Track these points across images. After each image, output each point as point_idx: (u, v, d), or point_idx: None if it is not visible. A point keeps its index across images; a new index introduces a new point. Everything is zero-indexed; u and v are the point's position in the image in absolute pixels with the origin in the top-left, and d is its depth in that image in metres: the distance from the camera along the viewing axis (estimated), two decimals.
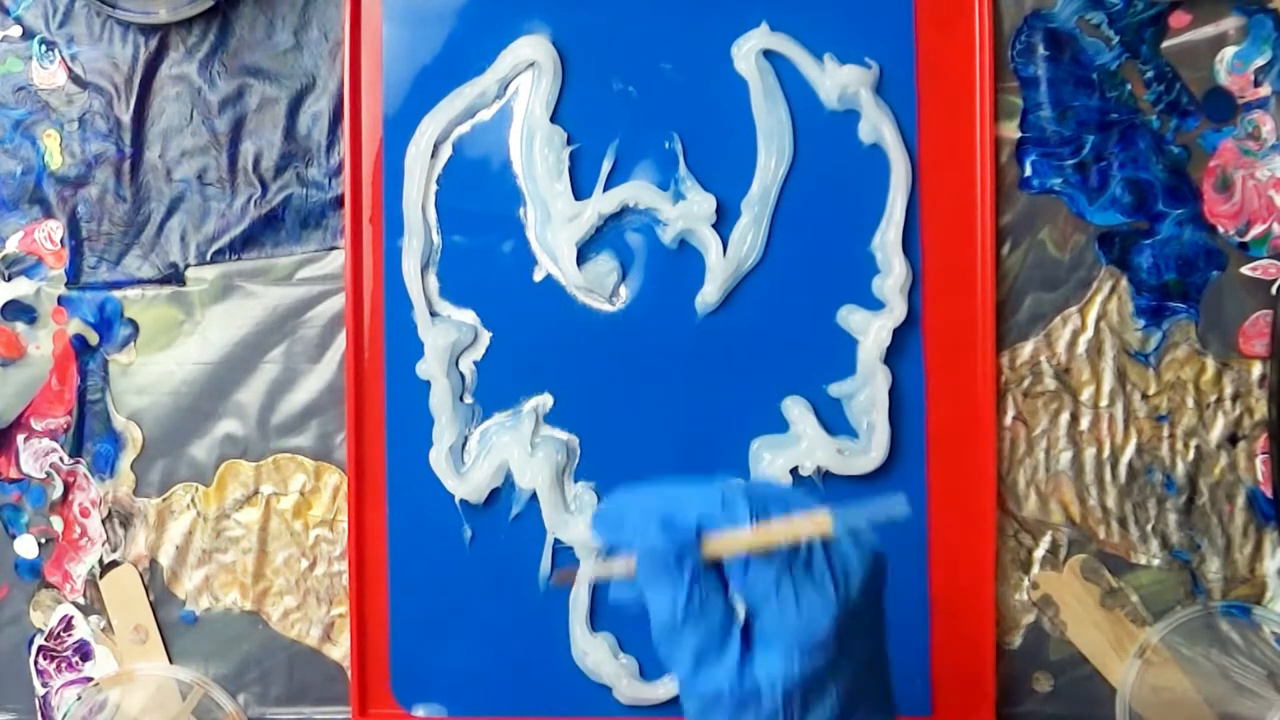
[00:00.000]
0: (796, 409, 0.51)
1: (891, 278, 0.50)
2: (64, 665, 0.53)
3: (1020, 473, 0.52)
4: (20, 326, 0.53)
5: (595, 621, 0.51)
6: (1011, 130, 0.52)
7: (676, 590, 0.37)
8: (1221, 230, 0.51)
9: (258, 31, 0.53)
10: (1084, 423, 0.52)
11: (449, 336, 0.51)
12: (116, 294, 0.53)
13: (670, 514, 0.37)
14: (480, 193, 0.52)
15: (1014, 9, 0.52)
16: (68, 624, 0.53)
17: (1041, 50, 0.51)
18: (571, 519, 0.51)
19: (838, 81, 0.50)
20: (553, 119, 0.51)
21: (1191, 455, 0.51)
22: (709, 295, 0.51)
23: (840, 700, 0.36)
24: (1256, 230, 0.51)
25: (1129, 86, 0.51)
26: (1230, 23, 0.51)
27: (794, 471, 0.50)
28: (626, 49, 0.51)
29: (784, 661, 0.36)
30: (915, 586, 0.51)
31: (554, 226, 0.51)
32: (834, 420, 0.51)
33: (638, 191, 0.51)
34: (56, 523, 0.53)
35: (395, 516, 0.51)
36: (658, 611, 0.37)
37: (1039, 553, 0.51)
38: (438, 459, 0.51)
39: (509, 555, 0.51)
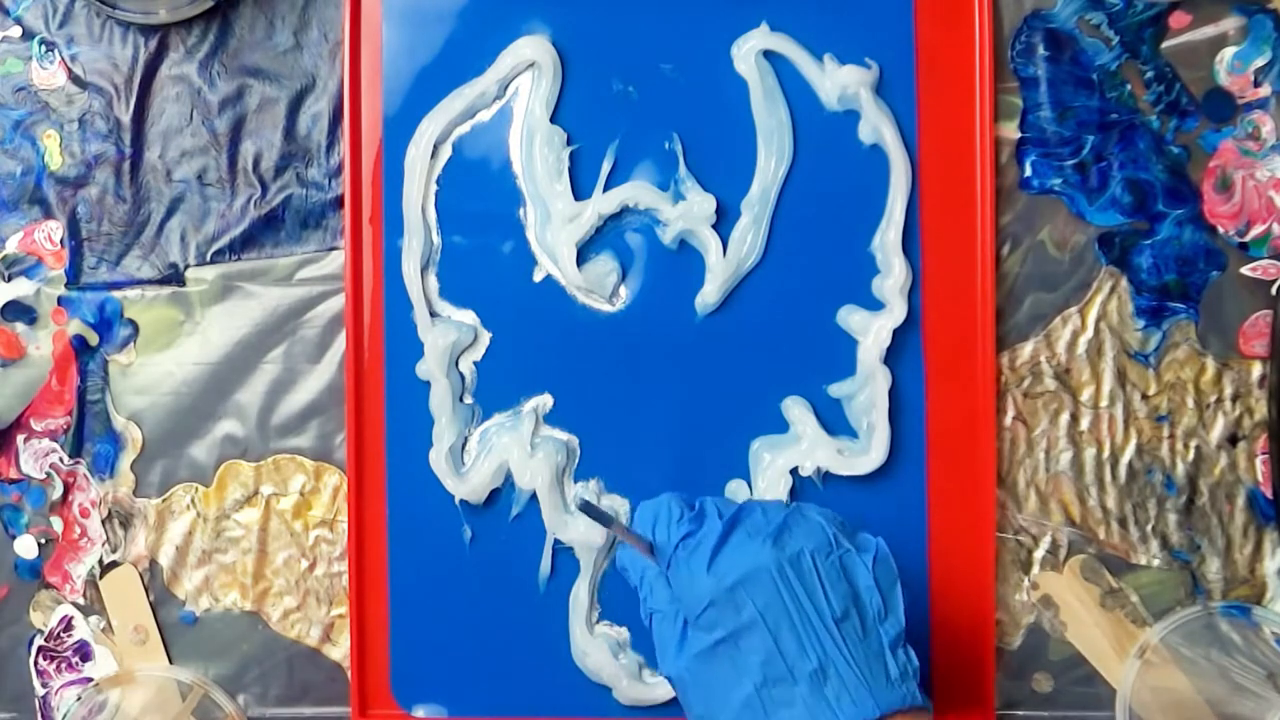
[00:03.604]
0: (796, 409, 0.51)
1: (891, 278, 0.50)
2: (64, 666, 0.53)
3: (1020, 473, 0.52)
4: (20, 327, 0.53)
5: (608, 613, 0.51)
6: (1011, 130, 0.52)
7: (642, 593, 0.43)
8: (1221, 230, 0.51)
9: (257, 32, 0.53)
10: (1084, 423, 0.52)
11: (449, 337, 0.51)
12: (116, 294, 0.53)
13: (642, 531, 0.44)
14: (480, 193, 0.52)
15: (1014, 9, 0.52)
16: (67, 624, 0.53)
17: (1041, 50, 0.51)
18: (571, 519, 0.51)
19: (838, 82, 0.50)
20: (553, 119, 0.51)
21: (1191, 455, 0.51)
22: (709, 295, 0.51)
23: (759, 672, 0.39)
24: (1256, 230, 0.51)
25: (1129, 87, 0.51)
26: (1230, 23, 0.51)
27: (794, 472, 0.50)
28: (626, 49, 0.51)
29: (691, 640, 0.40)
30: (915, 587, 0.51)
31: (554, 227, 0.51)
32: (834, 420, 0.51)
33: (637, 192, 0.51)
34: (56, 523, 0.53)
35: (395, 517, 0.51)
36: (643, 616, 0.43)
37: (1039, 553, 0.51)
38: (438, 459, 0.51)
39: (509, 555, 0.51)
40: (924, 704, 0.40)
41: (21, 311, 0.53)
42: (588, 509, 0.42)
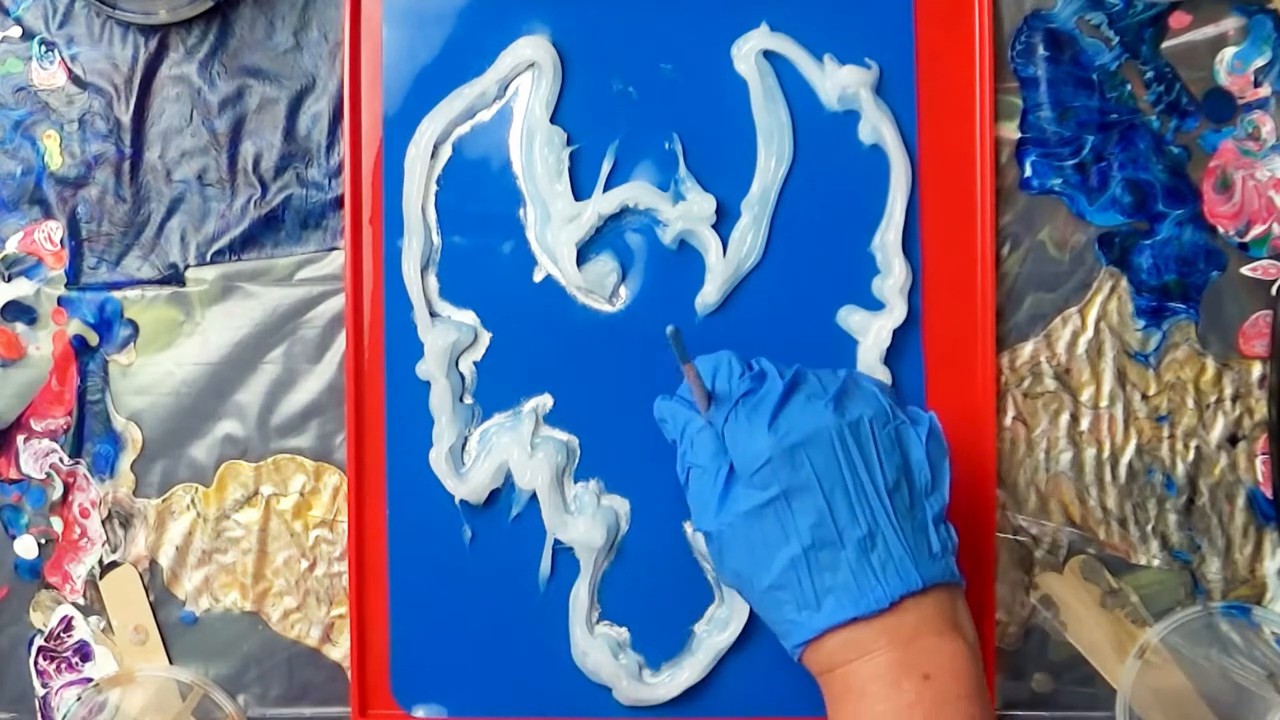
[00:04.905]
0: None
1: (891, 278, 0.50)
2: (64, 666, 0.53)
3: (1020, 473, 0.52)
4: (20, 327, 0.53)
5: (608, 613, 0.51)
6: (1011, 130, 0.52)
7: (680, 444, 0.43)
8: (1221, 231, 0.51)
9: (257, 32, 0.53)
10: (1084, 423, 0.52)
11: (449, 337, 0.51)
12: (116, 294, 0.53)
13: (685, 390, 0.43)
14: (480, 193, 0.52)
15: (1014, 9, 0.52)
16: (67, 625, 0.53)
17: (1041, 51, 0.51)
18: (571, 519, 0.51)
19: (838, 82, 0.50)
20: (553, 119, 0.51)
21: (1191, 456, 0.51)
22: (709, 296, 0.51)
23: (808, 534, 0.39)
24: (1256, 231, 0.51)
25: (1129, 87, 0.51)
26: (1230, 23, 0.51)
27: None
28: (626, 49, 0.51)
29: (740, 496, 0.40)
30: None
31: (554, 227, 0.51)
32: None
33: (637, 192, 0.51)
34: (56, 523, 0.53)
35: (395, 517, 0.51)
36: (678, 469, 0.44)
37: (1039, 553, 0.51)
38: (438, 459, 0.51)
39: (509, 555, 0.51)
40: (960, 581, 0.40)
41: (21, 311, 0.53)
42: (676, 338, 0.41)
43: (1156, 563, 0.51)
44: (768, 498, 0.39)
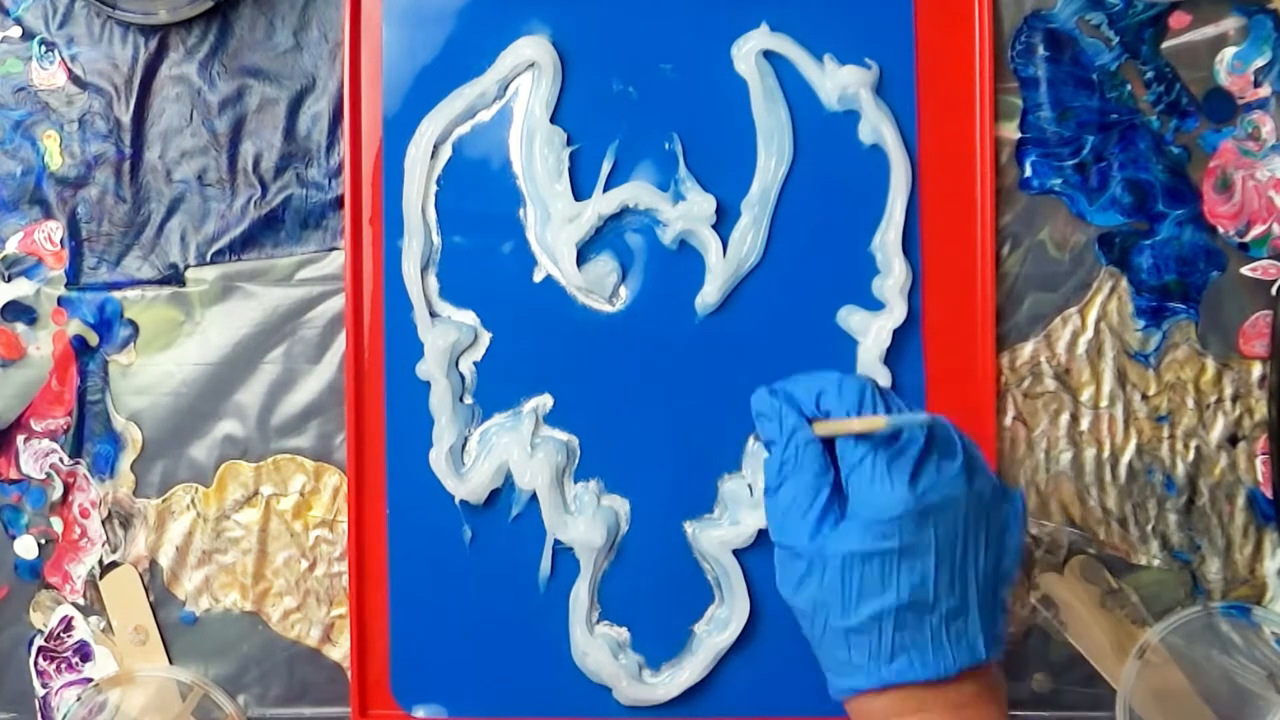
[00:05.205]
0: None
1: (891, 278, 0.50)
2: (64, 666, 0.53)
3: (1020, 473, 0.52)
4: (20, 327, 0.53)
5: (608, 613, 0.51)
6: (1011, 130, 0.52)
7: (779, 450, 0.41)
8: (1221, 231, 0.51)
9: (257, 32, 0.53)
10: (1084, 423, 0.52)
11: (449, 337, 0.51)
12: (116, 295, 0.53)
13: (797, 390, 0.42)
14: (480, 193, 0.52)
15: (1014, 9, 0.52)
16: (67, 625, 0.53)
17: (1041, 51, 0.51)
18: (571, 519, 0.51)
19: (838, 82, 0.50)
20: (553, 119, 0.51)
21: (1191, 456, 0.51)
22: (709, 296, 0.51)
23: (907, 592, 0.39)
24: (1256, 231, 0.51)
25: (1129, 87, 0.51)
26: (1230, 23, 0.51)
27: None
28: (626, 49, 0.51)
29: (853, 535, 0.39)
30: None
31: (554, 227, 0.51)
32: None
33: (637, 192, 0.51)
34: (56, 523, 0.53)
35: (395, 517, 0.51)
36: (766, 469, 0.42)
37: (1039, 553, 0.51)
38: (438, 460, 0.51)
39: (509, 555, 0.51)
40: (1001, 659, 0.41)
41: (21, 311, 0.53)
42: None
43: (1156, 563, 0.51)
44: (884, 548, 0.39)
